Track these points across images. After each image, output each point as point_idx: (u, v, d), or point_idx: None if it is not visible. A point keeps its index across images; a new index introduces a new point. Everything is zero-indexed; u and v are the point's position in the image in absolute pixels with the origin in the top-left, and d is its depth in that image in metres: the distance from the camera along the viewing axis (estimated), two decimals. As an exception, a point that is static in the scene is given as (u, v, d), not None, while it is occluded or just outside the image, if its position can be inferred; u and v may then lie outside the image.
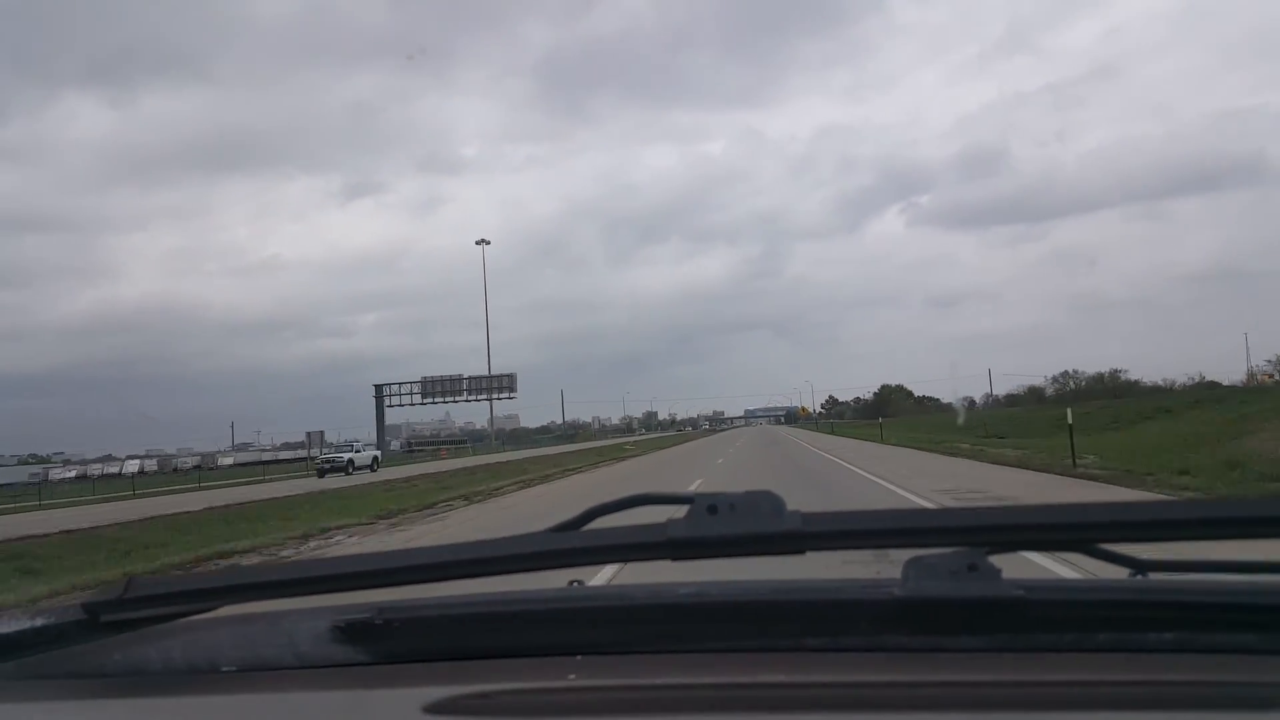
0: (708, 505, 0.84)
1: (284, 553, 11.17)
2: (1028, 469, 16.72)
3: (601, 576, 3.65)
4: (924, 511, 0.90)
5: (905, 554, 0.86)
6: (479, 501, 17.68)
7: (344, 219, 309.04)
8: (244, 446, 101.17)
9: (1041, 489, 12.78)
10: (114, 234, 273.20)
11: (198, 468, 75.43)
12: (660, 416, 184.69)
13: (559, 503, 15.60)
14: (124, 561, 10.76)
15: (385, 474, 34.14)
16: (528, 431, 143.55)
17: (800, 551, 0.82)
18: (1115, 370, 71.85)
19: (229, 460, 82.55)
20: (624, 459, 36.28)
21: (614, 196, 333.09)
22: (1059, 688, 0.78)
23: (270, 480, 40.74)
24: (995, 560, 0.84)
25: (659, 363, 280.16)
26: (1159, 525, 0.83)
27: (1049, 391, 75.37)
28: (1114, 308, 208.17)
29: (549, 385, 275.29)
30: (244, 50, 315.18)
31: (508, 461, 39.06)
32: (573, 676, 0.86)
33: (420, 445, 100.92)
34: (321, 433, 69.18)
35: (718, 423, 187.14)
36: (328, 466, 39.18)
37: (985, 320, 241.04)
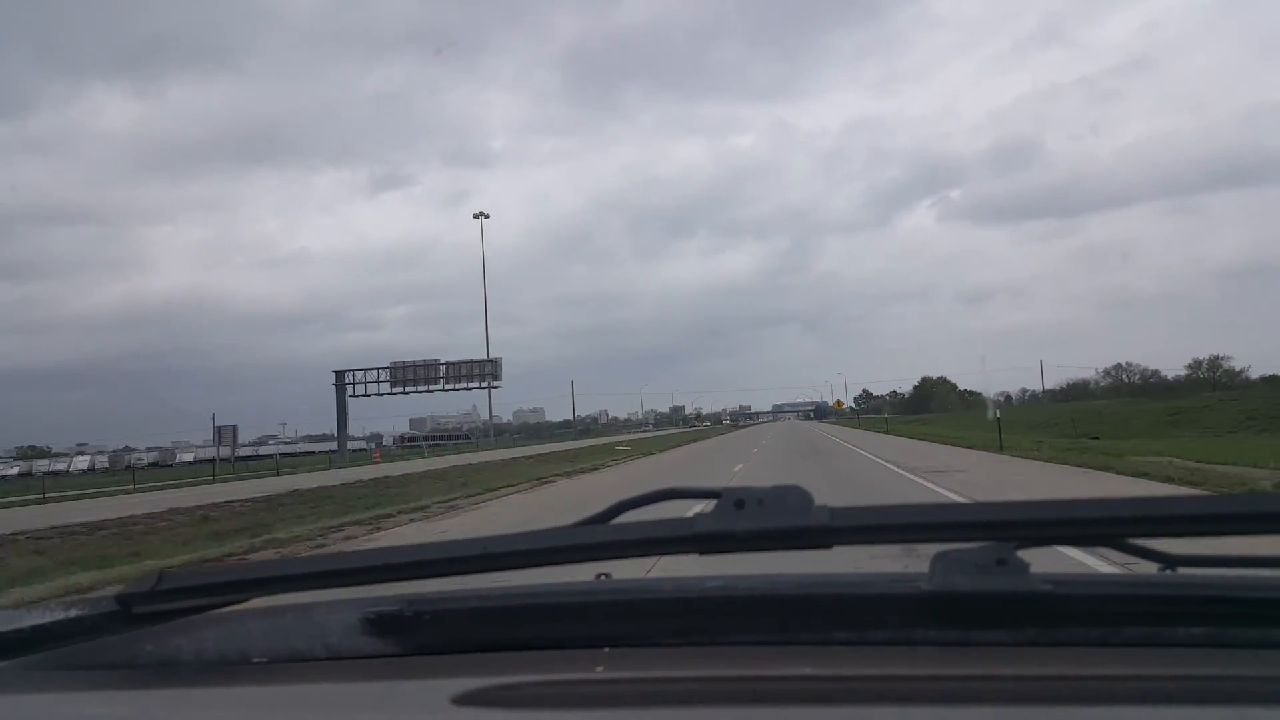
0: (735, 500, 0.84)
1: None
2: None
3: (628, 570, 3.62)
4: (952, 506, 0.90)
5: (933, 549, 0.86)
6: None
7: (372, 212, 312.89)
8: (263, 440, 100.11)
9: None
10: (143, 225, 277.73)
11: (154, 464, 72.30)
12: (687, 411, 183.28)
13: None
14: None
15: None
16: (549, 425, 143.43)
17: (828, 546, 0.82)
18: (1203, 360, 67.89)
19: (189, 457, 77.41)
20: (545, 483, 20.02)
21: (642, 190, 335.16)
22: (1087, 682, 0.77)
23: (192, 485, 33.17)
24: (1024, 555, 0.84)
25: (687, 357, 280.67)
26: (1189, 520, 0.82)
27: (1102, 384, 72.97)
28: (1148, 303, 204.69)
29: (579, 379, 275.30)
30: (272, 42, 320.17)
31: (421, 474, 25.61)
32: (600, 669, 0.87)
33: (413, 442, 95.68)
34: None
35: (740, 418, 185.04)
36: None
37: (1018, 315, 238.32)
